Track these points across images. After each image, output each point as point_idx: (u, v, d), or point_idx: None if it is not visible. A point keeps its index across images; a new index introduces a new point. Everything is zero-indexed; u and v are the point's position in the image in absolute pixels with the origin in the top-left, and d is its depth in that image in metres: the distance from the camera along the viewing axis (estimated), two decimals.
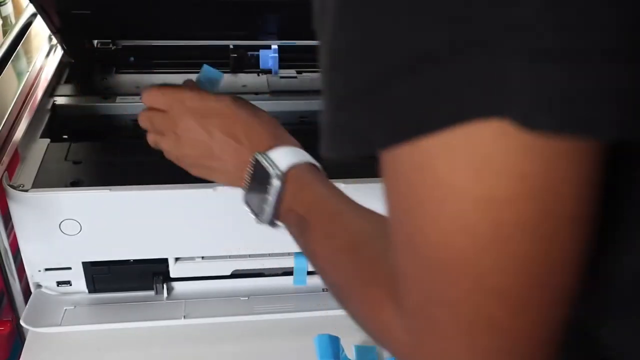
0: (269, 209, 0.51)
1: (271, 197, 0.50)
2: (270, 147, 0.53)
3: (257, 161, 0.52)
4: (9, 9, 1.20)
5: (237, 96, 0.59)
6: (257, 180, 0.52)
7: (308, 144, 0.79)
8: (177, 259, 0.74)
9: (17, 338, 0.73)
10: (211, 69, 0.63)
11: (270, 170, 0.50)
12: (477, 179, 0.25)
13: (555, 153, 0.24)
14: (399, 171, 0.29)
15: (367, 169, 0.74)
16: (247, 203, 0.54)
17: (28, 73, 0.84)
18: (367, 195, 0.71)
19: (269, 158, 0.51)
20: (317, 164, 0.54)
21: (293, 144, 0.55)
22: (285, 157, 0.52)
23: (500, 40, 0.23)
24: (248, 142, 0.54)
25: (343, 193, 0.52)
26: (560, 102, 0.23)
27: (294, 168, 0.51)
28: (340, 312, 0.77)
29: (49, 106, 0.84)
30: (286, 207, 0.51)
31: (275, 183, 0.50)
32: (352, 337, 0.73)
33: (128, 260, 0.73)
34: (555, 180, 0.25)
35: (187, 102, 0.57)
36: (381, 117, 0.27)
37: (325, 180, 0.53)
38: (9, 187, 0.65)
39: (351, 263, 0.43)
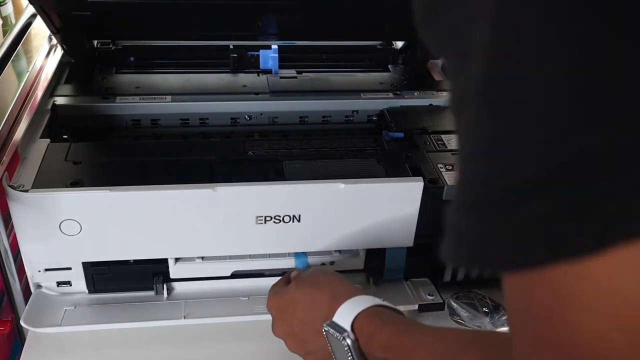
0: None
1: (351, 356, 0.53)
2: (335, 308, 0.55)
3: (327, 332, 0.55)
4: (9, 9, 1.20)
5: (302, 275, 0.64)
6: (336, 347, 0.55)
7: (308, 144, 0.80)
8: (177, 260, 0.74)
9: (17, 338, 0.73)
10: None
11: (337, 335, 0.53)
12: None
13: None
14: (534, 294, 0.26)
15: (367, 169, 0.74)
16: None
17: (28, 73, 0.84)
18: (367, 195, 0.71)
19: (333, 323, 0.55)
20: (380, 302, 0.56)
21: (353, 294, 0.57)
22: (346, 314, 0.54)
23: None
24: (315, 315, 0.58)
25: (412, 321, 0.55)
26: None
27: (357, 320, 0.54)
28: None
29: (49, 106, 0.84)
30: (372, 356, 0.53)
31: (347, 342, 0.53)
32: None
33: (128, 261, 0.73)
34: None
35: (269, 305, 0.64)
36: (528, 228, 0.24)
37: (392, 314, 0.55)
38: (9, 187, 0.65)
39: None
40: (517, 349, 0.28)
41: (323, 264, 0.76)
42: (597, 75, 0.23)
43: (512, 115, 0.24)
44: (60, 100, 0.86)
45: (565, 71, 0.23)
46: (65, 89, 0.89)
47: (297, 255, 0.74)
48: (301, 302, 0.60)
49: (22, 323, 0.70)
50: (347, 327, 0.53)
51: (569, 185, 0.23)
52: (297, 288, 0.61)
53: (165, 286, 0.75)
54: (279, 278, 0.77)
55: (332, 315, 0.55)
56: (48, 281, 0.73)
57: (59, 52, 0.95)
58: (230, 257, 0.75)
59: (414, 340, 0.50)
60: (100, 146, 0.79)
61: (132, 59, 0.99)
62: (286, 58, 0.98)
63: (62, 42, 0.92)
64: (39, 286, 0.74)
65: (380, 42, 1.06)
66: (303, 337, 0.60)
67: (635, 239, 0.22)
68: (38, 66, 0.88)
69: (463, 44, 0.27)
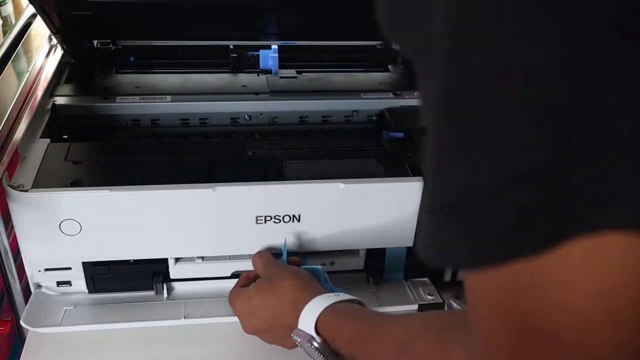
0: None
1: (323, 358, 0.56)
2: (296, 318, 0.58)
3: (295, 340, 0.58)
4: (9, 9, 1.20)
5: (263, 277, 0.67)
6: (309, 351, 0.57)
7: (308, 144, 0.80)
8: (177, 261, 0.74)
9: (17, 338, 0.73)
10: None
11: (306, 344, 0.56)
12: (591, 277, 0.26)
13: None
14: (493, 288, 0.29)
15: (367, 169, 0.74)
16: None
17: (28, 73, 0.84)
18: (367, 195, 0.71)
19: (299, 330, 0.58)
20: (336, 298, 0.58)
21: (311, 295, 0.59)
22: (308, 320, 0.57)
23: (607, 154, 0.24)
24: (278, 320, 0.61)
25: (371, 312, 0.58)
26: None
27: (319, 322, 0.56)
28: None
29: (49, 106, 0.84)
30: (343, 353, 0.55)
31: (315, 346, 0.56)
32: None
33: (128, 260, 0.73)
34: None
35: (233, 308, 0.68)
36: (486, 232, 0.27)
37: (350, 309, 0.58)
38: (9, 187, 0.65)
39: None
40: (476, 338, 0.31)
41: (323, 264, 0.76)
42: (545, 93, 0.25)
43: (469, 128, 0.27)
44: (60, 100, 0.86)
45: (515, 89, 0.25)
46: (65, 89, 0.89)
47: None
48: (265, 308, 0.63)
49: (22, 323, 0.70)
50: (312, 332, 0.56)
51: (519, 191, 0.26)
52: (258, 294, 0.64)
53: (165, 286, 0.75)
54: None
55: (296, 321, 0.58)
56: (48, 281, 0.73)
57: (59, 52, 0.95)
58: (230, 257, 0.75)
59: (373, 331, 0.52)
60: (100, 146, 0.79)
61: (132, 59, 0.99)
62: (286, 58, 0.98)
63: (62, 42, 0.92)
64: (39, 286, 0.74)
65: (380, 42, 1.06)
66: (276, 335, 0.63)
67: (577, 238, 0.25)
68: (38, 66, 0.88)
69: (424, 52, 0.29)
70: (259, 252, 0.70)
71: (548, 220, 0.26)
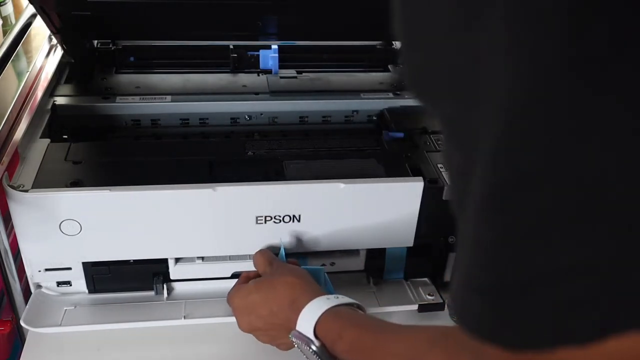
0: None
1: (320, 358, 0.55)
2: (294, 318, 0.57)
3: (293, 341, 0.57)
4: (9, 9, 1.20)
5: (263, 275, 0.67)
6: (306, 353, 0.56)
7: (308, 144, 0.80)
8: (177, 261, 0.74)
9: (17, 338, 0.73)
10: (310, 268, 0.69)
11: (304, 347, 0.56)
12: None
13: None
14: None
15: (367, 169, 0.74)
16: None
17: (28, 73, 0.84)
18: (367, 195, 0.71)
19: (297, 332, 0.57)
20: (337, 301, 0.57)
21: (311, 296, 0.58)
22: (307, 322, 0.56)
23: None
24: (277, 319, 0.60)
25: (374, 320, 0.56)
26: None
27: (319, 326, 0.55)
28: None
29: (49, 106, 0.84)
30: (342, 357, 0.54)
31: (313, 349, 0.55)
32: None
33: (128, 261, 0.73)
34: None
35: (230, 305, 0.67)
36: (536, 316, 0.27)
37: (352, 314, 0.57)
38: (9, 187, 0.65)
39: None
40: None
41: (323, 264, 0.76)
42: (611, 198, 0.25)
43: (522, 223, 0.27)
44: (60, 100, 0.86)
45: (570, 185, 0.25)
46: (65, 89, 0.89)
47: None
48: (263, 305, 0.62)
49: (22, 323, 0.70)
50: (311, 335, 0.55)
51: (575, 281, 0.26)
52: (257, 291, 0.63)
53: (165, 286, 0.75)
54: None
55: (294, 321, 0.57)
56: (48, 281, 0.73)
57: (59, 52, 0.95)
58: (230, 258, 0.75)
59: (377, 342, 0.50)
60: (100, 146, 0.79)
61: (132, 59, 0.99)
62: (286, 58, 0.98)
63: (62, 42, 0.92)
64: (39, 286, 0.74)
65: (380, 42, 1.06)
66: (271, 334, 0.63)
67: (629, 331, 0.25)
68: (38, 66, 0.88)
69: (459, 124, 0.29)
70: (260, 250, 0.70)
71: (601, 311, 0.26)
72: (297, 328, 0.57)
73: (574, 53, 0.23)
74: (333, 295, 0.59)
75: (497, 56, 0.25)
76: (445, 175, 0.28)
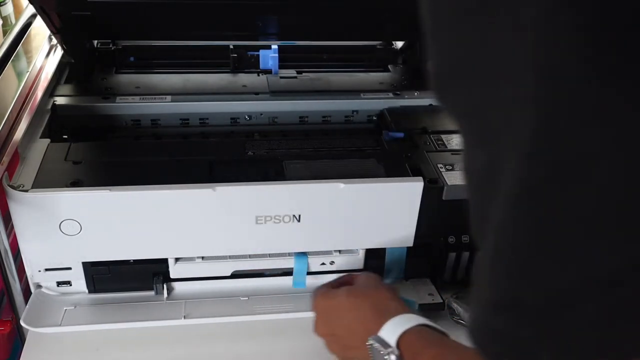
0: None
1: None
2: (379, 327, 0.56)
3: (371, 346, 0.56)
4: (9, 9, 1.20)
5: (358, 282, 0.66)
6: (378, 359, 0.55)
7: (308, 144, 0.80)
8: (177, 260, 0.74)
9: (17, 338, 0.73)
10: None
11: (382, 350, 0.54)
12: None
13: None
14: None
15: (367, 169, 0.74)
16: None
17: (28, 73, 0.84)
18: (367, 195, 0.71)
19: (379, 338, 0.55)
20: (426, 321, 0.57)
21: (400, 311, 0.58)
22: (393, 330, 0.55)
23: None
24: (361, 326, 0.59)
25: (457, 344, 0.54)
26: None
27: (403, 337, 0.54)
28: None
29: (49, 106, 0.84)
30: None
31: (392, 358, 0.54)
32: None
33: (128, 261, 0.73)
34: None
35: (314, 306, 0.65)
36: (562, 338, 0.25)
37: (437, 335, 0.56)
38: (9, 187, 0.65)
39: None
40: None
41: (323, 263, 0.76)
42: None
43: (560, 223, 0.24)
44: (60, 100, 0.86)
45: (617, 184, 0.23)
46: (65, 89, 0.89)
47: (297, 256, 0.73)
48: (349, 311, 0.61)
49: (22, 323, 0.70)
50: (393, 344, 0.54)
51: (617, 290, 0.24)
52: (347, 296, 0.62)
53: (165, 286, 0.75)
54: (278, 278, 0.78)
55: (378, 330, 0.56)
56: (48, 281, 0.73)
57: (59, 52, 0.95)
58: (230, 257, 0.75)
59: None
60: (100, 146, 0.79)
61: (132, 59, 0.99)
62: (286, 58, 0.98)
63: (62, 42, 0.92)
64: (39, 286, 0.74)
65: (380, 42, 1.06)
66: (345, 343, 0.61)
67: None
68: (38, 66, 0.88)
69: (486, 120, 0.27)
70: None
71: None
72: (380, 334, 0.56)
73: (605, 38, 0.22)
74: (422, 317, 0.58)
75: (523, 47, 0.24)
76: (463, 183, 0.28)
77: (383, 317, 0.57)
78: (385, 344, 0.55)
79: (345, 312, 0.61)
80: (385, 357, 0.54)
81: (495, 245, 0.27)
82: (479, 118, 0.28)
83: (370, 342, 0.56)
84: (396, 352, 0.54)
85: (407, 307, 0.61)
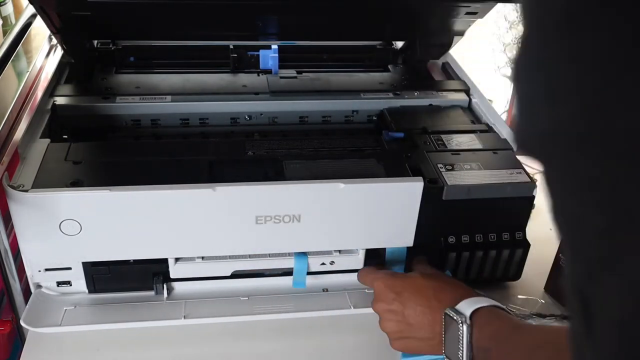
0: (463, 353, 0.60)
1: (462, 342, 0.59)
2: (456, 302, 0.62)
3: (446, 315, 0.62)
4: (9, 9, 1.20)
5: (424, 269, 0.71)
6: (450, 332, 0.61)
7: (308, 144, 0.80)
8: (177, 260, 0.74)
9: (17, 338, 0.73)
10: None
11: (457, 318, 0.60)
12: None
13: None
14: None
15: (367, 169, 0.74)
16: (448, 358, 0.62)
17: (28, 73, 0.84)
18: (367, 195, 0.71)
19: (455, 309, 0.61)
20: (500, 305, 0.62)
21: (477, 295, 0.64)
22: (469, 305, 0.61)
23: None
24: (438, 303, 0.64)
25: (514, 318, 0.62)
26: None
27: (477, 312, 0.60)
28: (340, 313, 0.78)
29: (49, 106, 0.84)
30: (478, 347, 0.59)
31: (463, 328, 0.59)
32: (351, 337, 0.73)
33: (128, 261, 0.73)
34: None
35: (381, 282, 0.69)
36: None
37: (508, 315, 0.62)
38: (9, 187, 0.65)
39: None
40: None
41: (323, 263, 0.76)
42: None
43: None
44: (60, 100, 0.86)
45: None
46: (65, 89, 0.89)
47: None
48: (425, 290, 0.65)
49: (22, 323, 0.70)
50: (468, 314, 0.60)
51: None
52: (423, 278, 0.67)
53: (165, 286, 0.75)
54: (278, 278, 0.77)
55: (454, 303, 0.62)
56: (48, 281, 0.73)
57: (59, 52, 0.95)
58: (230, 257, 0.75)
59: (510, 334, 0.57)
60: (100, 146, 0.79)
61: (132, 59, 0.99)
62: (286, 58, 0.98)
63: (62, 42, 0.92)
64: (39, 286, 0.74)
65: (380, 42, 1.06)
66: (410, 322, 0.65)
67: None
68: (38, 66, 0.88)
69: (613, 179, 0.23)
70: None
71: None
72: (457, 307, 0.62)
73: None
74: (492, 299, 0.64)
75: None
76: (561, 246, 0.27)
77: (462, 296, 0.63)
78: (461, 315, 0.60)
79: (421, 291, 0.65)
80: (459, 325, 0.59)
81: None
82: (600, 176, 0.23)
83: (447, 311, 0.61)
84: (468, 321, 0.59)
85: (475, 291, 0.65)
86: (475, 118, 0.90)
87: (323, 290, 0.78)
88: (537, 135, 0.25)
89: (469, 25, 0.97)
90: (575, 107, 0.23)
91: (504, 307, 0.62)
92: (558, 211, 0.25)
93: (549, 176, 0.25)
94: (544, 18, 0.24)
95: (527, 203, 0.75)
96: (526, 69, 0.25)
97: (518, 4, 1.33)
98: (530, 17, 0.25)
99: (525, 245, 0.77)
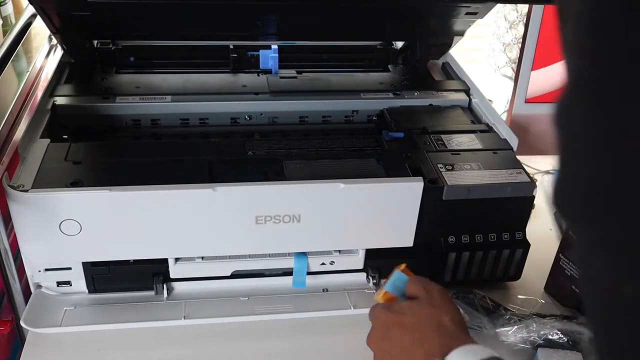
0: None
1: None
2: (445, 352, 0.54)
3: None
4: (9, 9, 1.20)
5: (422, 298, 0.62)
6: None
7: (308, 144, 0.80)
8: (177, 260, 0.74)
9: (17, 338, 0.73)
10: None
11: None
12: None
13: None
14: None
15: (367, 169, 0.74)
16: None
17: (28, 73, 0.84)
18: (367, 195, 0.71)
19: None
20: (494, 354, 0.55)
21: (466, 341, 0.56)
22: (459, 358, 0.53)
23: None
24: (422, 353, 0.56)
25: None
26: None
27: None
28: (340, 313, 0.78)
29: (49, 106, 0.84)
30: None
31: None
32: (350, 337, 0.73)
33: (128, 261, 0.73)
34: None
35: (380, 316, 0.61)
36: None
37: None
38: (9, 187, 0.65)
39: None
40: None
41: (323, 263, 0.76)
42: None
43: None
44: (60, 100, 0.86)
45: None
46: (65, 89, 0.89)
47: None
48: (412, 331, 0.58)
49: (22, 323, 0.70)
50: None
51: None
52: (412, 315, 0.60)
53: (165, 286, 0.75)
54: (278, 278, 0.77)
55: (440, 355, 0.55)
56: (48, 281, 0.73)
57: (59, 52, 0.95)
58: (230, 257, 0.75)
59: None
60: (100, 146, 0.79)
61: (132, 59, 0.99)
62: (286, 58, 0.98)
63: (62, 42, 0.92)
64: (39, 286, 0.74)
65: (380, 42, 1.06)
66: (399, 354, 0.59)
67: None
68: (38, 66, 0.88)
69: None
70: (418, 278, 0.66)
71: None
72: (449, 358, 0.54)
73: None
74: (487, 348, 0.56)
75: None
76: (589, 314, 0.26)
77: (448, 345, 0.55)
78: None
79: (409, 332, 0.58)
80: None
81: None
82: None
83: None
84: None
85: (468, 333, 0.59)
86: (475, 118, 0.90)
87: (323, 290, 0.78)
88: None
89: (469, 25, 0.97)
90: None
91: (500, 357, 0.55)
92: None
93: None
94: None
95: (527, 203, 0.75)
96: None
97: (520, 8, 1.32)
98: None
99: (525, 245, 0.77)
